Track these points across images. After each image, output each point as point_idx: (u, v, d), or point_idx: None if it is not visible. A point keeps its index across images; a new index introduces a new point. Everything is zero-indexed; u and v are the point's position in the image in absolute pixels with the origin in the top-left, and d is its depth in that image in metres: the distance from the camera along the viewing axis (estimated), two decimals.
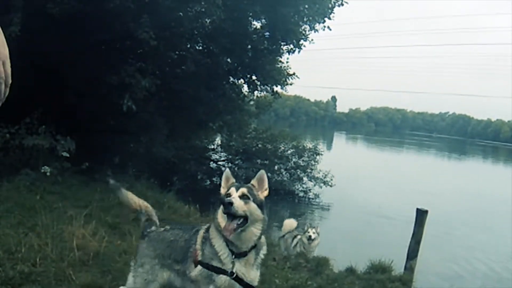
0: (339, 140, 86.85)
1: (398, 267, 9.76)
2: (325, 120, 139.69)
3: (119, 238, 7.38)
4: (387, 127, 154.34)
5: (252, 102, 20.59)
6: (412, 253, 9.95)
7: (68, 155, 11.06)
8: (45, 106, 11.33)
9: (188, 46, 14.49)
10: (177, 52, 14.35)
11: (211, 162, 20.51)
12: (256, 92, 18.29)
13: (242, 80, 17.26)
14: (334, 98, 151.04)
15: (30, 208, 8.10)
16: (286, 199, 19.96)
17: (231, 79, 16.91)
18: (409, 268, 9.86)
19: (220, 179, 13.77)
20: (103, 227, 7.71)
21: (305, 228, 11.28)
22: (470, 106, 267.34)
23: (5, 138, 10.54)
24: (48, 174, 10.34)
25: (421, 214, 10.00)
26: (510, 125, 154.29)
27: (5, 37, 1.86)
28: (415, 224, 10.03)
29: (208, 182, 19.77)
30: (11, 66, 1.86)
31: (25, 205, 8.33)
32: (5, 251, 6.04)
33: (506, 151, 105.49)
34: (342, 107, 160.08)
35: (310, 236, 10.74)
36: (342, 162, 37.63)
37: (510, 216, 21.82)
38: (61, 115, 11.75)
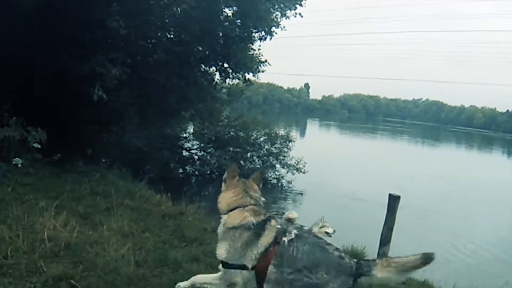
0: (313, 127, 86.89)
1: (371, 252, 9.88)
2: (298, 107, 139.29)
3: (90, 228, 7.38)
4: (360, 114, 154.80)
5: (224, 90, 20.53)
6: (385, 240, 10.01)
7: (39, 146, 10.98)
8: (15, 98, 11.20)
9: (159, 34, 14.37)
10: (148, 41, 14.27)
11: (184, 151, 20.42)
12: (228, 80, 18.27)
13: (214, 68, 17.19)
14: (307, 85, 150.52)
15: (1, 201, 8.05)
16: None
17: (203, 67, 16.83)
18: (382, 254, 9.79)
19: (193, 167, 13.92)
20: (74, 217, 7.69)
21: (320, 223, 11.40)
22: (444, 92, 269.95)
23: None
24: (19, 165, 10.26)
25: (393, 200, 9.98)
26: (483, 111, 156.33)
27: None
28: (387, 211, 10.03)
29: (181, 171, 19.75)
30: None
31: None
32: None
33: (480, 137, 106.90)
34: (315, 94, 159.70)
35: (328, 233, 10.78)
36: (316, 149, 37.78)
37: (484, 201, 22.20)
38: (32, 106, 11.58)
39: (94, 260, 6.08)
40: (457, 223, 17.53)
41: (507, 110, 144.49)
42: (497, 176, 34.18)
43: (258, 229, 4.27)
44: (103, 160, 14.15)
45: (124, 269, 5.97)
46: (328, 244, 4.21)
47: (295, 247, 4.13)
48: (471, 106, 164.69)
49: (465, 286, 9.00)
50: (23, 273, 5.48)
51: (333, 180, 23.08)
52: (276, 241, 4.18)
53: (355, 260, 4.14)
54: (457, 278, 9.75)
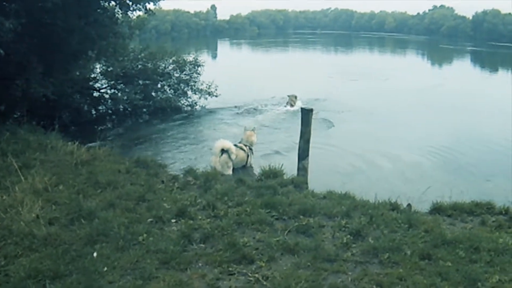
0: (223, 47, 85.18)
1: (291, 168, 10.25)
2: (207, 29, 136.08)
3: (3, 193, 7.32)
4: (270, 29, 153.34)
5: (125, 24, 20.08)
6: (303, 154, 10.33)
7: None
8: None
9: None
10: None
11: (94, 92, 20.11)
12: (129, 13, 17.97)
13: (113, 3, 16.87)
14: (213, 7, 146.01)
15: None
16: (172, 116, 19.97)
17: (102, 3, 16.47)
18: (302, 168, 10.27)
19: (105, 106, 14.45)
20: None
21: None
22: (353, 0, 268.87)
23: None
24: None
25: (306, 114, 10.31)
26: (394, 16, 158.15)
27: None
28: (301, 124, 10.33)
29: (94, 112, 19.49)
30: None
31: None
32: None
33: (392, 40, 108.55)
34: (222, 15, 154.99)
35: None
36: (229, 70, 37.67)
37: (412, 107, 22.81)
38: None
39: (9, 227, 6.09)
40: (385, 133, 17.24)
41: (418, 13, 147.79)
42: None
43: None
44: (15, 116, 13.89)
45: (38, 230, 6.02)
46: None
47: None
48: (381, 11, 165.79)
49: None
50: None
51: (247, 96, 23.38)
52: None
53: None
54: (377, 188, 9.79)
